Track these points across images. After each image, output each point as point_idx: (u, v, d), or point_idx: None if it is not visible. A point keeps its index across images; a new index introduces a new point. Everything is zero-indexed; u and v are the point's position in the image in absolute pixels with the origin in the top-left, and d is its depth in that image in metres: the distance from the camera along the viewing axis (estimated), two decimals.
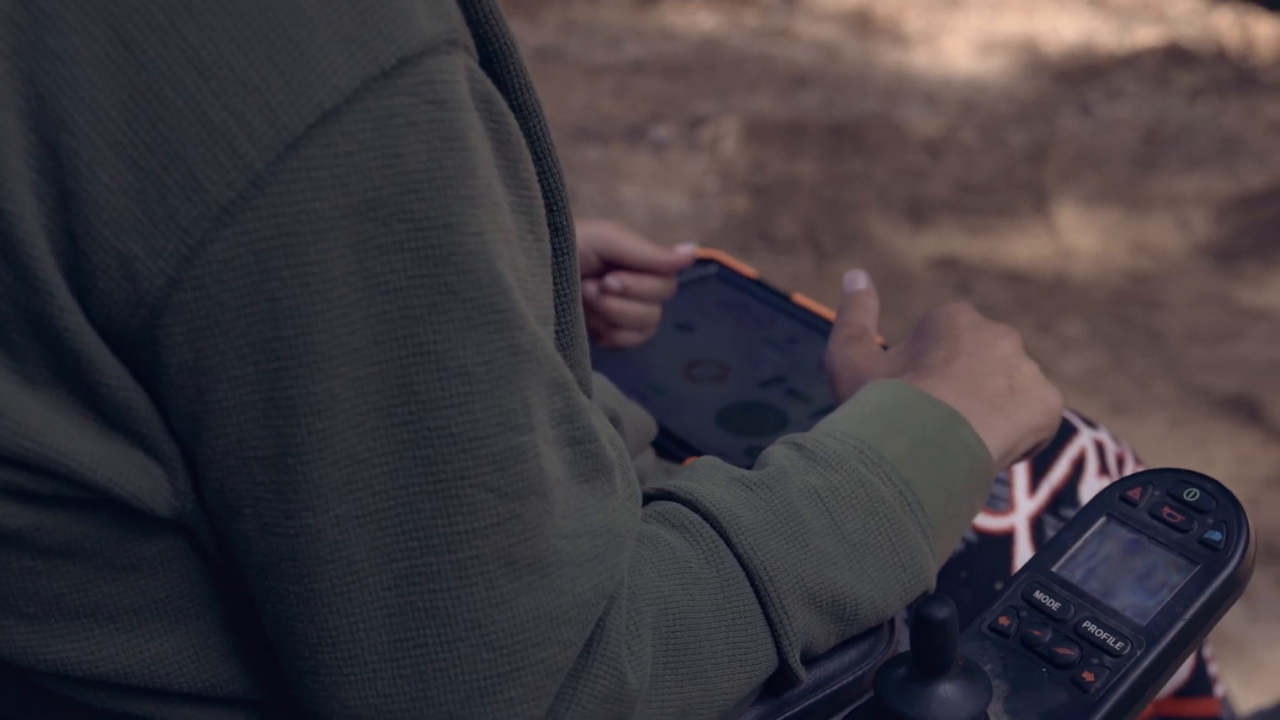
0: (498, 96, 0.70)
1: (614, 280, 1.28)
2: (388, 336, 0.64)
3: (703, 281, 1.47)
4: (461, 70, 0.67)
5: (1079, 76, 4.97)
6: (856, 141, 4.41)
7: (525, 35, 5.49)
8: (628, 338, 1.31)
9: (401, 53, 0.64)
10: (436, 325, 0.65)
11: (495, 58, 0.74)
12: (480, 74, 0.69)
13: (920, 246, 3.85)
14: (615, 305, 1.28)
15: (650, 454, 1.20)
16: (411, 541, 0.69)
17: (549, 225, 0.78)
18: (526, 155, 0.73)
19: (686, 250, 1.30)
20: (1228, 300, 3.54)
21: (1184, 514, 0.91)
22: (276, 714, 0.77)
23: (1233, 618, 2.46)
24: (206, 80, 0.61)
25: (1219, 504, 0.91)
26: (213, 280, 0.62)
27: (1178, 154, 4.33)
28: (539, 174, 0.77)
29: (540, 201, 0.74)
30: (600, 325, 1.31)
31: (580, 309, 0.83)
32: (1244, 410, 3.07)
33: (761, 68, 5.05)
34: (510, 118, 0.71)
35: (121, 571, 0.72)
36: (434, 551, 0.69)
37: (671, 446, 1.25)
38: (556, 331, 0.80)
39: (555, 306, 0.79)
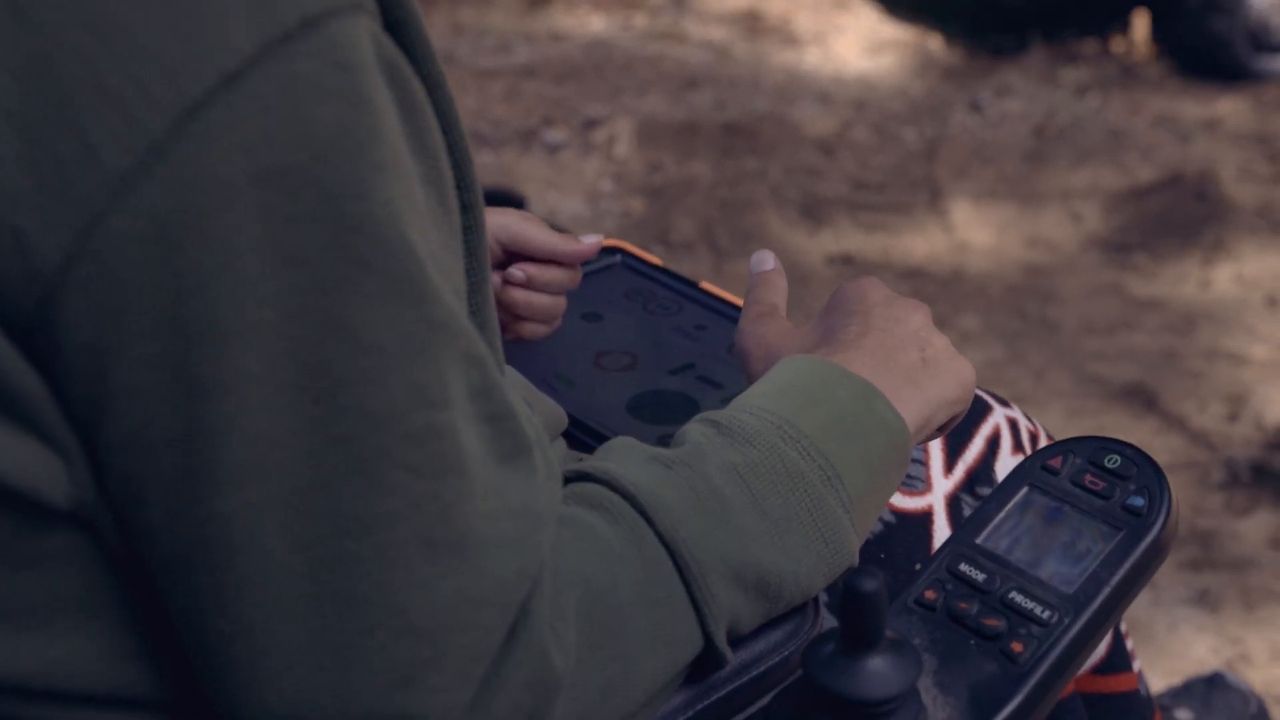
0: (404, 63, 0.68)
1: (517, 271, 1.25)
2: (298, 310, 0.61)
3: (608, 270, 1.45)
4: (366, 34, 0.65)
5: (969, 74, 5.03)
6: (750, 141, 4.42)
7: None
8: (533, 329, 1.28)
9: (304, 14, 0.61)
10: (348, 298, 0.62)
11: (399, 26, 0.71)
12: (385, 39, 0.67)
13: (817, 244, 3.87)
14: (519, 296, 1.25)
15: (562, 445, 1.18)
16: (327, 525, 0.66)
17: (458, 202, 0.76)
18: (434, 125, 0.71)
19: (592, 240, 1.28)
20: (1120, 291, 3.59)
21: (1106, 481, 0.91)
22: (187, 716, 0.74)
23: (1137, 603, 2.49)
24: (101, 44, 0.58)
25: (1140, 470, 0.91)
26: (112, 254, 0.59)
27: (1067, 149, 4.39)
28: (446, 148, 0.74)
29: (449, 174, 0.72)
30: (505, 317, 1.28)
31: (491, 289, 0.81)
32: (1140, 399, 3.12)
33: (652, 69, 5.05)
34: (417, 85, 0.69)
35: (18, 568, 0.68)
36: (351, 535, 0.66)
37: (583, 437, 1.23)
38: (468, 312, 0.76)
39: (466, 286, 0.77)
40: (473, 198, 0.78)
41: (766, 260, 1.12)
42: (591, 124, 4.53)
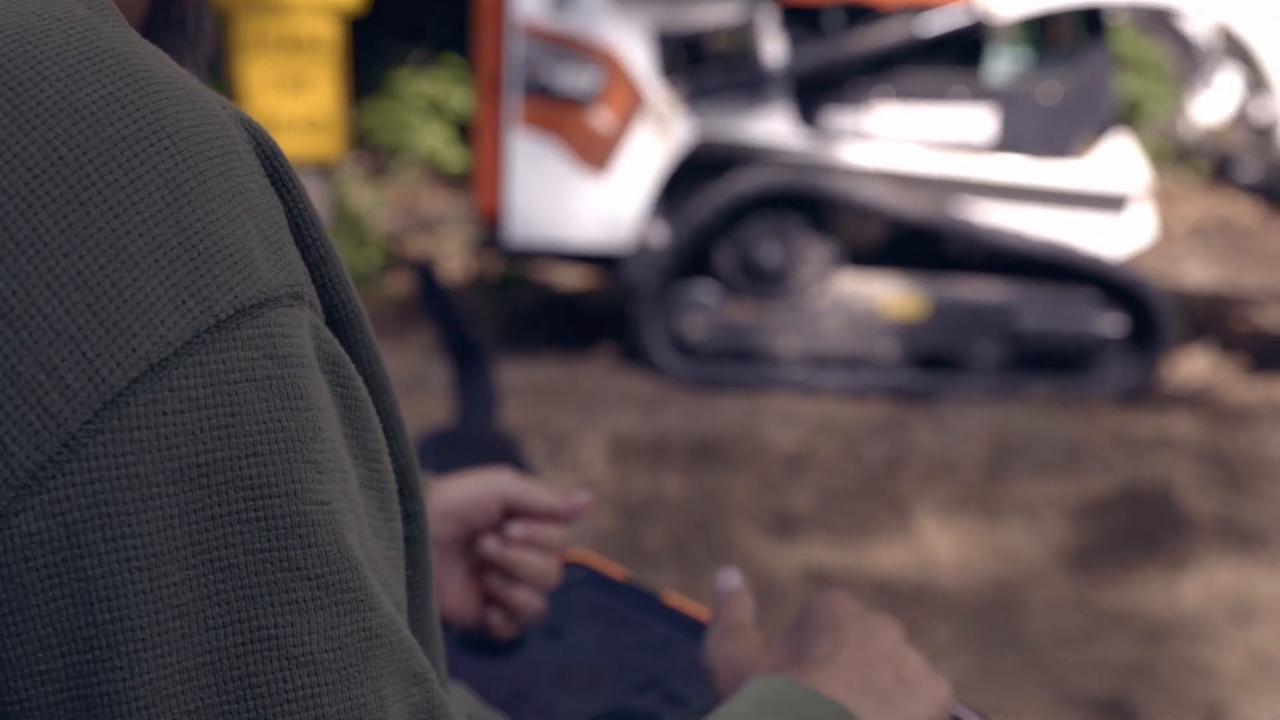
0: (346, 360, 0.65)
1: (517, 528, 1.23)
2: (221, 620, 0.57)
3: (571, 586, 1.45)
4: (305, 326, 0.62)
5: (930, 390, 5.18)
6: (719, 457, 4.50)
7: (389, 363, 5.56)
8: (527, 600, 1.27)
9: (239, 302, 0.58)
10: (277, 606, 0.58)
11: (343, 324, 0.68)
12: (327, 334, 0.65)
13: (786, 557, 3.90)
14: (520, 556, 1.24)
15: None
16: None
17: (400, 511, 0.72)
18: (377, 427, 0.67)
19: (583, 497, 1.29)
20: (1088, 603, 3.62)
21: None
22: None
23: None
24: (15, 330, 0.55)
25: None
26: (16, 558, 0.54)
27: (1027, 462, 4.49)
28: (390, 454, 0.71)
29: (392, 480, 0.69)
30: (499, 584, 1.27)
31: (434, 605, 0.77)
32: (1117, 713, 3.11)
33: (623, 387, 5.18)
34: (359, 385, 0.66)
35: None
36: None
37: None
38: (410, 625, 0.73)
39: (408, 597, 0.73)
40: (416, 506, 0.74)
41: (732, 579, 1.11)
42: (563, 440, 4.61)
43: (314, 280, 0.67)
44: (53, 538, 0.55)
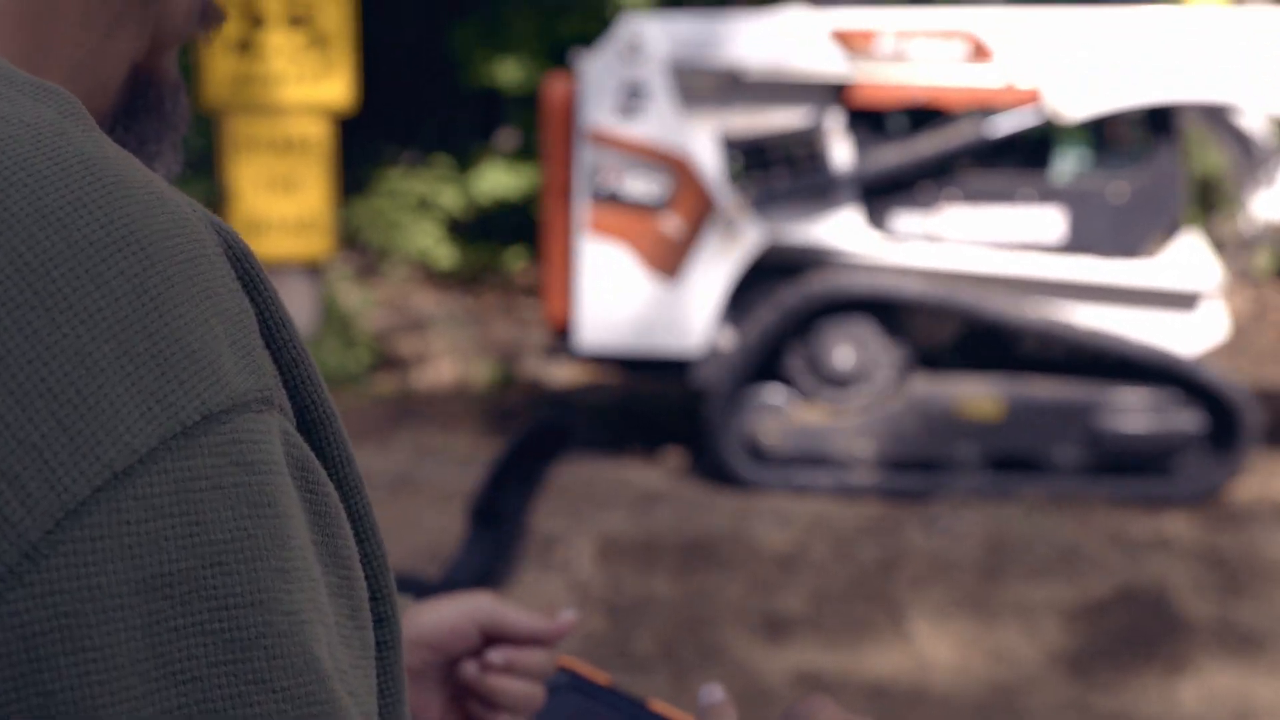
0: (316, 465, 0.65)
1: (497, 655, 1.21)
2: None
3: (554, 693, 1.43)
4: (275, 432, 0.61)
5: (924, 489, 5.14)
6: (710, 557, 4.45)
7: (377, 463, 5.53)
8: None
9: (206, 409, 0.58)
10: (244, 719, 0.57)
11: (314, 426, 0.69)
12: (297, 438, 0.65)
13: (778, 660, 3.83)
14: (499, 684, 1.21)
15: None
16: None
17: (372, 616, 0.71)
18: (348, 533, 0.67)
19: (569, 617, 1.26)
20: (1086, 707, 3.55)
21: None
22: None
23: None
24: None
25: None
26: None
27: (1022, 563, 4.44)
28: (361, 557, 0.71)
29: (363, 586, 0.68)
30: (480, 711, 1.24)
31: (407, 713, 0.77)
32: None
33: (613, 486, 5.13)
34: (330, 489, 0.66)
35: None
36: None
37: None
38: None
39: (379, 708, 0.71)
40: (389, 610, 0.73)
41: (715, 692, 1.10)
42: (551, 541, 4.56)
43: (285, 384, 0.67)
44: (12, 650, 0.55)
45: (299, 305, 6.83)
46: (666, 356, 5.20)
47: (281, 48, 6.68)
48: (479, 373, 6.96)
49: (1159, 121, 5.19)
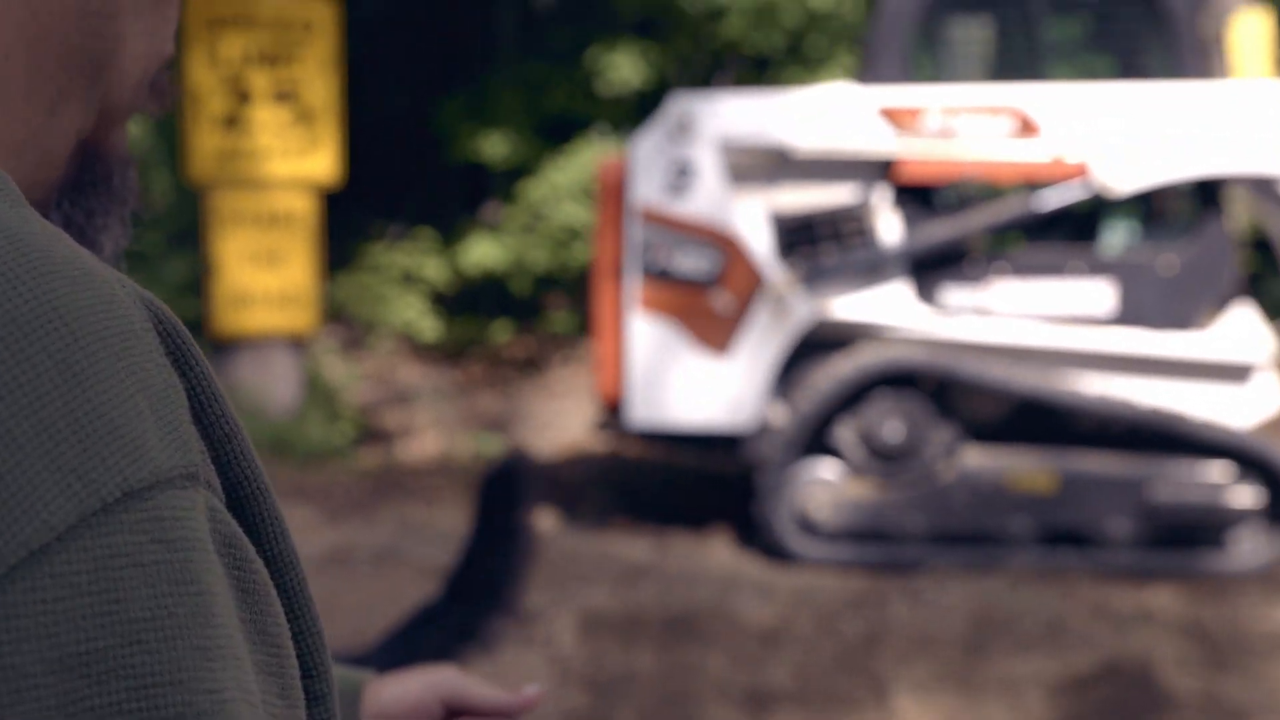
0: (245, 541, 0.65)
1: None
2: None
3: None
4: (200, 508, 0.61)
5: (907, 563, 5.12)
6: (693, 632, 4.42)
7: (361, 537, 5.50)
8: None
9: (128, 485, 0.58)
10: None
11: (246, 502, 0.68)
12: (225, 514, 0.64)
13: None
14: None
15: None
16: None
17: (305, 693, 0.71)
18: (278, 609, 0.66)
19: (533, 691, 1.25)
20: None
21: None
22: None
23: None
24: None
25: None
26: None
27: (1007, 637, 4.41)
28: (294, 634, 0.70)
29: (294, 663, 0.67)
30: None
31: None
32: None
33: (596, 561, 5.11)
34: (259, 566, 0.65)
35: None
36: None
37: None
38: None
39: None
40: (324, 687, 0.72)
41: None
42: (532, 616, 4.53)
43: (215, 459, 0.66)
44: None
45: (283, 379, 6.83)
46: (718, 432, 5.21)
47: (268, 123, 6.72)
48: (464, 446, 6.95)
49: (1208, 194, 5.19)
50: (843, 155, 5.14)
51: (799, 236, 5.21)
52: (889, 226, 5.18)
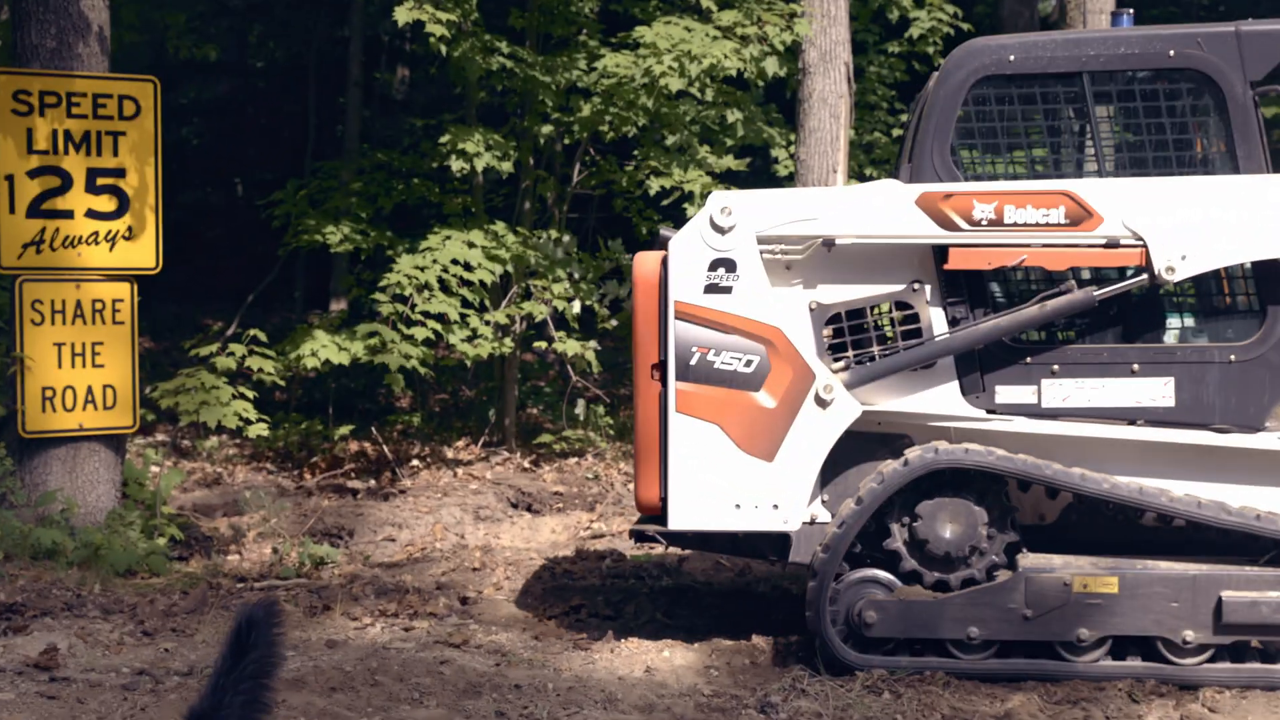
0: None
1: None
2: None
3: None
4: None
5: (760, 673, 4.84)
6: None
7: (183, 652, 5.07)
8: None
9: None
10: None
11: None
12: None
13: None
14: None
15: None
16: None
17: None
18: None
19: None
20: None
21: None
22: None
23: None
24: None
25: None
26: None
27: None
28: None
29: None
30: None
31: None
32: None
33: (431, 677, 4.74)
34: None
35: None
36: None
37: None
38: None
39: None
40: None
41: None
42: None
43: None
44: None
45: (99, 481, 6.36)
46: (761, 534, 4.93)
47: (83, 209, 6.33)
48: (296, 555, 6.53)
49: (1270, 283, 4.96)
50: (887, 246, 4.89)
51: (845, 331, 4.98)
52: (937, 319, 4.94)
